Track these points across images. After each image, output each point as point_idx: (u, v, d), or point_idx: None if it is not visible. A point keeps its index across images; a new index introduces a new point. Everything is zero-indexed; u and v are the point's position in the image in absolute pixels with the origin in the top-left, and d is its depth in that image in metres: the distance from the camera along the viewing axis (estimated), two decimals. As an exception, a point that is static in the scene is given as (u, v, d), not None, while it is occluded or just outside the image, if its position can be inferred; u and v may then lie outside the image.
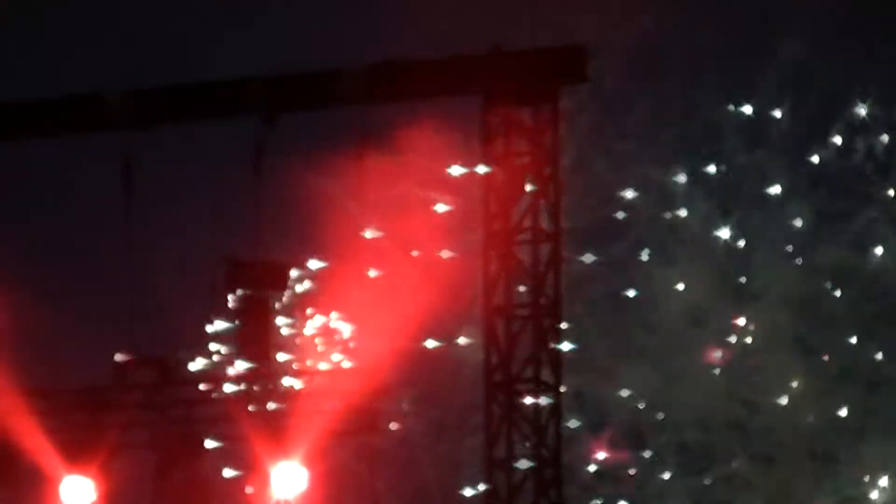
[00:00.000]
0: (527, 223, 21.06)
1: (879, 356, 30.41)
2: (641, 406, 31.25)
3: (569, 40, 22.02)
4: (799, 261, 30.59)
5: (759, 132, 31.58)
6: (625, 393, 31.20)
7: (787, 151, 31.25)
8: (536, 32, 22.70)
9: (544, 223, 21.29)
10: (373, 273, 26.48)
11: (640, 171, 31.65)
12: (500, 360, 21.37)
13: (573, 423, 31.97)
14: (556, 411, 21.31)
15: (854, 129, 30.65)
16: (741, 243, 30.94)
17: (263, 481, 22.47)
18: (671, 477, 31.03)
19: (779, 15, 30.14)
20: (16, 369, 23.09)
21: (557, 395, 21.33)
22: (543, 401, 21.64)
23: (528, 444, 21.50)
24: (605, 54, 25.11)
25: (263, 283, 22.31)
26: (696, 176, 31.31)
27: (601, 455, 31.00)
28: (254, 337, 23.00)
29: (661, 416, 31.12)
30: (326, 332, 28.79)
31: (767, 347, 30.78)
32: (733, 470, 31.20)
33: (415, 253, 26.96)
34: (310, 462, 22.36)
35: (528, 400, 21.24)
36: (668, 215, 31.34)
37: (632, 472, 31.25)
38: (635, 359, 31.67)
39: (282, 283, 22.39)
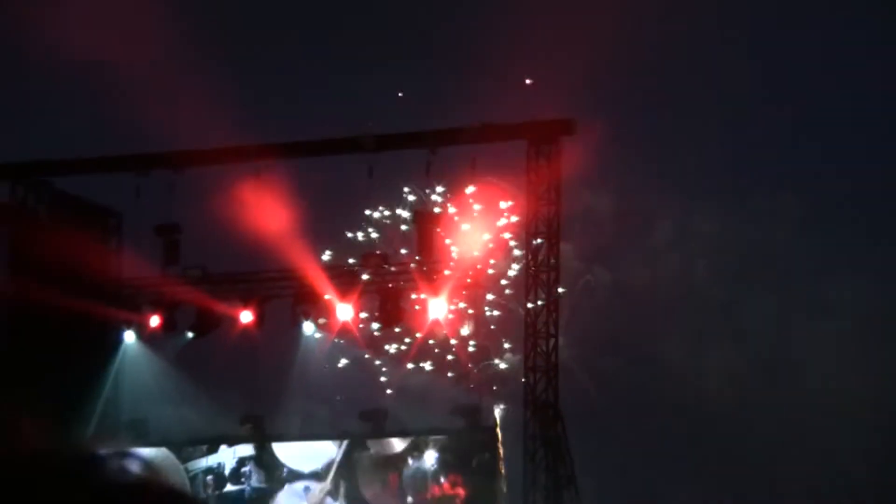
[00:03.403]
0: (543, 205, 30.57)
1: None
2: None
3: (566, 112, 31.37)
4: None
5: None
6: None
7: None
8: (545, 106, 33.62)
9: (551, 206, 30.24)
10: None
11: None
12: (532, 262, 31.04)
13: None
14: (556, 280, 31.12)
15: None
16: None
17: (424, 309, 32.09)
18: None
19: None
20: (314, 254, 34.38)
21: (557, 272, 31.09)
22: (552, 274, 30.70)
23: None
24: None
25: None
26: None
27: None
28: (426, 240, 31.86)
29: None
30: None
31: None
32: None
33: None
34: (449, 299, 31.72)
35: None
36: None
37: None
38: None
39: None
